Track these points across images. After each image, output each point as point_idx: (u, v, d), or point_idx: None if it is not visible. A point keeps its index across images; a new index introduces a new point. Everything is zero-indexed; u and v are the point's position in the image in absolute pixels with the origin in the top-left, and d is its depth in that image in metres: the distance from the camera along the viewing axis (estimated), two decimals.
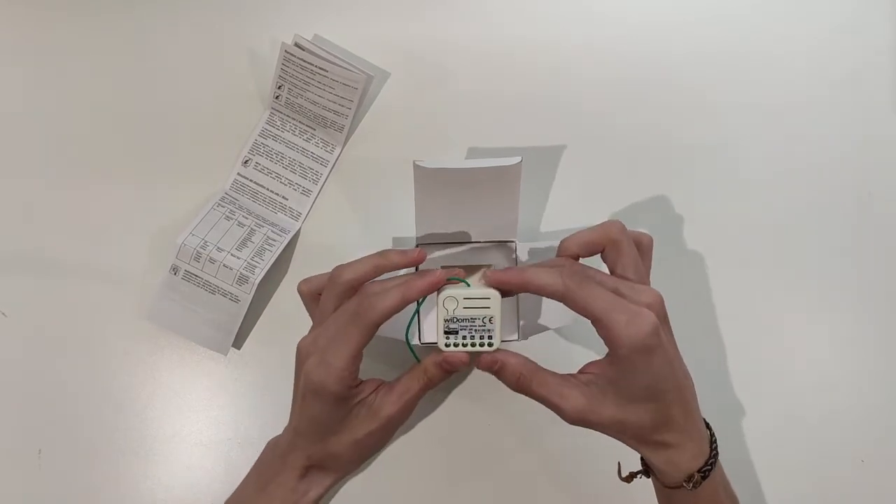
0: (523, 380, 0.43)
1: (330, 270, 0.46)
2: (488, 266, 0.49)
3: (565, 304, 0.41)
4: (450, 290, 0.43)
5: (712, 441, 0.44)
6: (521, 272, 0.42)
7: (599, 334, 0.41)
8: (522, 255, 0.48)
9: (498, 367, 0.43)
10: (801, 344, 0.57)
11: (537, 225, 0.58)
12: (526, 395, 0.43)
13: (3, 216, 0.58)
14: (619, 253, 0.43)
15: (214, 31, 0.60)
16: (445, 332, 0.43)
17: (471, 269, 0.50)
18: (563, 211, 0.58)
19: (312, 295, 0.47)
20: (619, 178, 0.59)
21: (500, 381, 0.44)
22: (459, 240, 0.48)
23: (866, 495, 0.55)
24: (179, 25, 0.60)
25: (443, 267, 0.48)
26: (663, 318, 0.42)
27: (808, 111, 0.60)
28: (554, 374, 0.43)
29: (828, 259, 0.58)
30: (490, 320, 0.43)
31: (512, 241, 0.49)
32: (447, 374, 0.46)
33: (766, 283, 0.58)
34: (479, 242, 0.49)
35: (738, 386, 0.56)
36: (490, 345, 0.43)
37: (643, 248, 0.45)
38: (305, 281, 0.47)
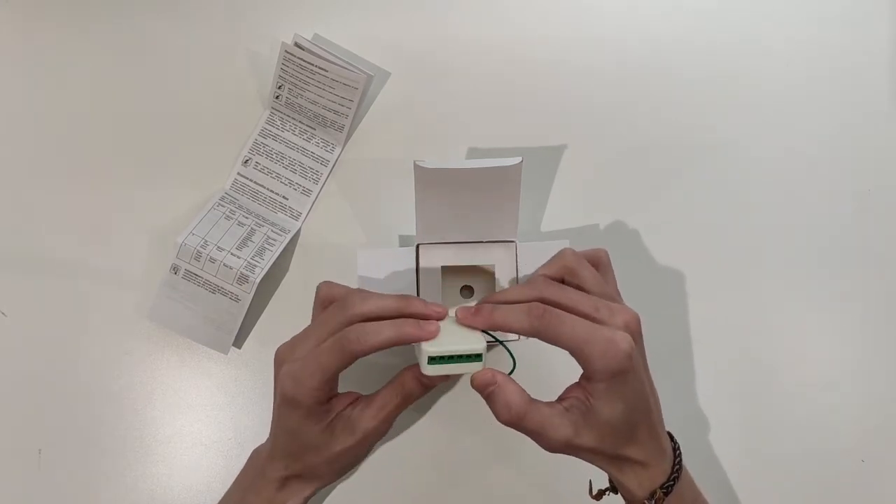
0: (515, 412, 0.41)
1: (350, 285, 0.45)
2: (490, 265, 0.49)
3: (539, 339, 0.41)
4: (435, 346, 0.41)
5: (676, 455, 0.44)
6: (490, 314, 0.41)
7: (576, 360, 0.41)
8: (523, 254, 0.48)
9: (491, 391, 0.41)
10: (800, 343, 0.57)
11: (537, 225, 0.58)
12: (515, 428, 0.41)
13: (3, 216, 0.58)
14: (578, 278, 0.44)
15: (214, 31, 0.60)
16: (430, 359, 0.41)
17: (470, 270, 0.50)
18: (563, 211, 0.58)
19: (326, 301, 0.46)
20: (619, 177, 0.59)
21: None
22: (460, 240, 0.48)
23: (866, 495, 0.55)
24: (179, 26, 0.60)
25: (444, 265, 0.48)
26: (638, 337, 0.42)
27: (807, 109, 0.60)
28: (544, 404, 0.42)
29: (828, 257, 0.58)
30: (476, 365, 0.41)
31: (512, 241, 0.49)
32: (426, 389, 0.45)
33: (765, 280, 0.58)
34: (480, 242, 0.49)
35: (737, 385, 0.56)
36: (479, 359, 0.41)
37: (602, 265, 0.46)
38: (329, 285, 0.46)
